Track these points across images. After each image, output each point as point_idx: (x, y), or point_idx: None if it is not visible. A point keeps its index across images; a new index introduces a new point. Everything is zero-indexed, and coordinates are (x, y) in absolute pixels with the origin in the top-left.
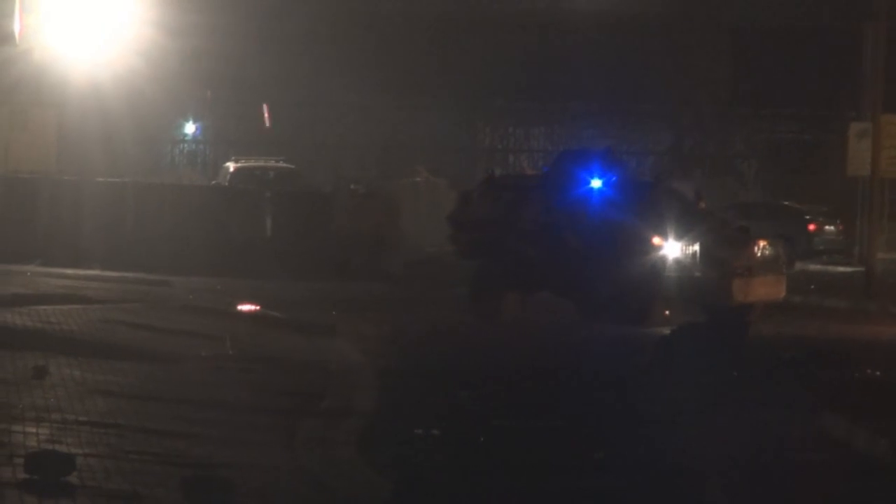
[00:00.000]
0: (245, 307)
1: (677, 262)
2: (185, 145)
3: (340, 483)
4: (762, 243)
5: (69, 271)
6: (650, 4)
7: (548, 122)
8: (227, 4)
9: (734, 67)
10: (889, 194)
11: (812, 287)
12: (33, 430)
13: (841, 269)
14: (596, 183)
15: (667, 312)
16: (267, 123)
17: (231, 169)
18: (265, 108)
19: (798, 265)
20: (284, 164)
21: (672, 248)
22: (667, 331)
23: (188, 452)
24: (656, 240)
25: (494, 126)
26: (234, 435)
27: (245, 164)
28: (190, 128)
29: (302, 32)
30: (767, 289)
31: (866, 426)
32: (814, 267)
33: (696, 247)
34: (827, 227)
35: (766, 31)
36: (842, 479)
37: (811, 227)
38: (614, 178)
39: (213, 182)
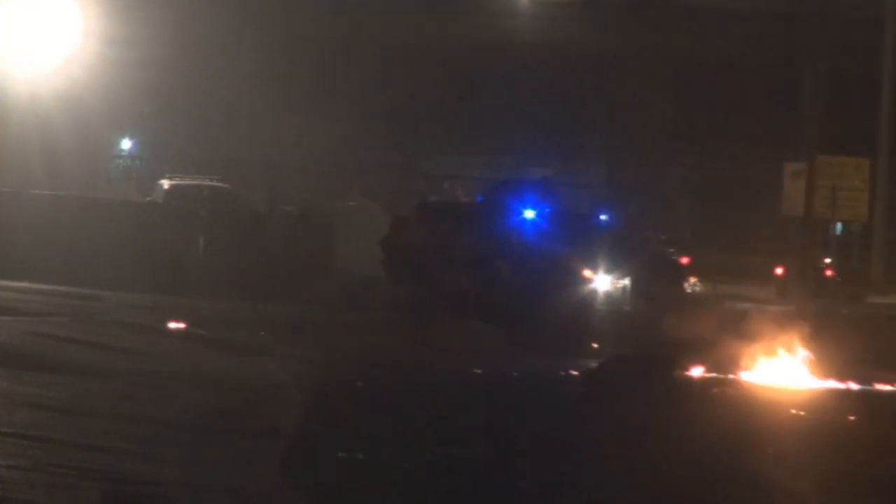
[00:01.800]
0: (176, 325)
1: (608, 295)
2: (121, 161)
3: None
4: (693, 279)
5: None
6: (593, 37)
7: (486, 151)
8: (171, 18)
9: (675, 102)
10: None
11: (742, 324)
12: None
13: (774, 307)
14: (529, 213)
15: (595, 345)
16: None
17: (165, 186)
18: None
19: (728, 304)
20: (219, 183)
21: (603, 282)
22: (595, 364)
23: (113, 468)
24: (587, 272)
25: (432, 152)
26: (161, 452)
27: (180, 182)
28: (126, 143)
29: (244, 52)
30: (700, 325)
31: (792, 465)
32: (745, 305)
33: (627, 281)
34: None
35: (708, 67)
36: None
37: None
38: (548, 209)
39: (148, 199)
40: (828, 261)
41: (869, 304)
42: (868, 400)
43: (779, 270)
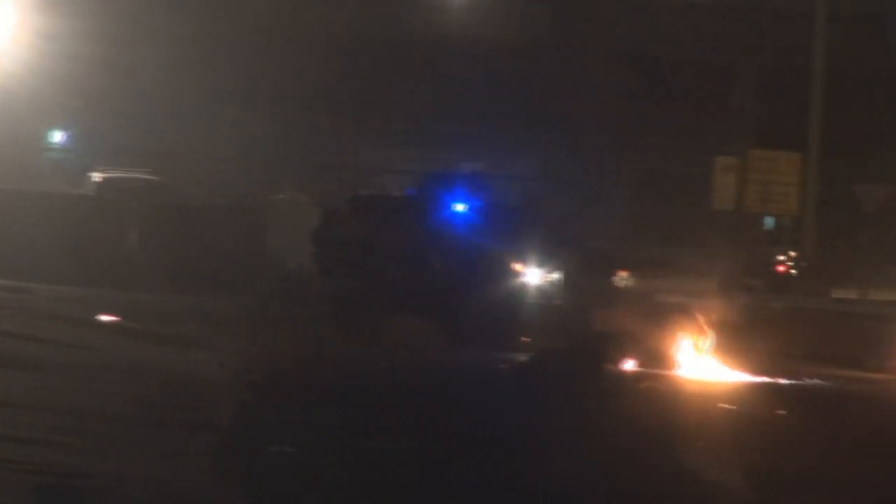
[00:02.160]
0: (109, 318)
1: (539, 289)
2: (53, 153)
3: (195, 497)
4: (624, 273)
5: None
6: (529, 30)
7: (418, 144)
8: (104, 11)
9: (608, 96)
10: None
11: (672, 319)
12: None
13: (707, 302)
14: (461, 206)
15: (525, 339)
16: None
17: (98, 179)
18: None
19: (659, 298)
20: (152, 176)
21: (534, 275)
22: (525, 357)
23: (45, 460)
24: (518, 266)
25: (363, 145)
26: (93, 445)
27: (112, 175)
28: (58, 136)
29: (177, 45)
30: (629, 319)
31: (722, 458)
32: (677, 299)
33: (558, 274)
34: None
35: (642, 60)
36: None
37: None
38: (480, 202)
39: (80, 191)
40: (782, 257)
41: (834, 300)
42: (796, 394)
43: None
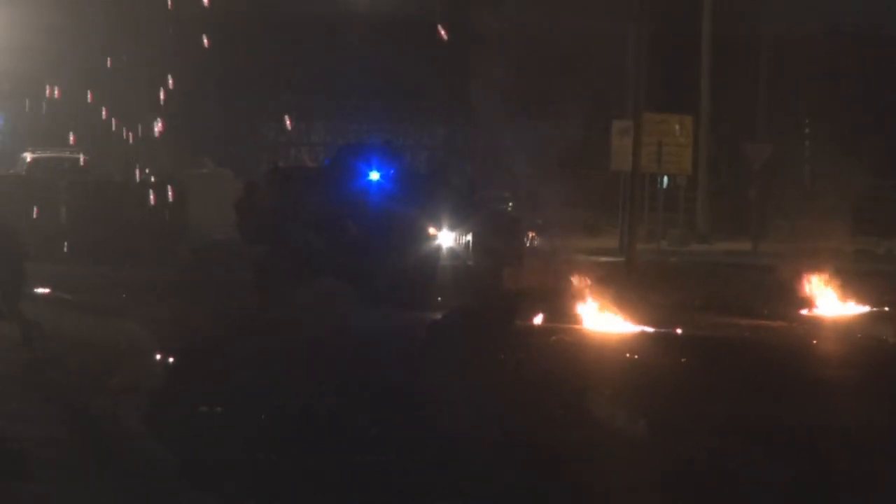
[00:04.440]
0: (41, 290)
1: (451, 251)
2: None
3: (129, 457)
4: (532, 234)
5: None
6: (426, 5)
7: (328, 117)
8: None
9: (507, 65)
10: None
11: (578, 276)
12: None
13: (603, 259)
14: (375, 175)
15: (439, 299)
16: None
17: (28, 159)
18: None
19: (565, 256)
20: (80, 155)
21: (446, 238)
22: (438, 316)
23: None
24: (431, 230)
25: (278, 120)
26: (28, 411)
27: (42, 155)
28: None
29: (98, 25)
30: (538, 277)
31: (628, 405)
32: (581, 258)
33: (469, 236)
34: None
35: (538, 30)
36: (603, 457)
37: None
38: (393, 171)
39: (11, 171)
40: None
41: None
42: (696, 343)
43: None
